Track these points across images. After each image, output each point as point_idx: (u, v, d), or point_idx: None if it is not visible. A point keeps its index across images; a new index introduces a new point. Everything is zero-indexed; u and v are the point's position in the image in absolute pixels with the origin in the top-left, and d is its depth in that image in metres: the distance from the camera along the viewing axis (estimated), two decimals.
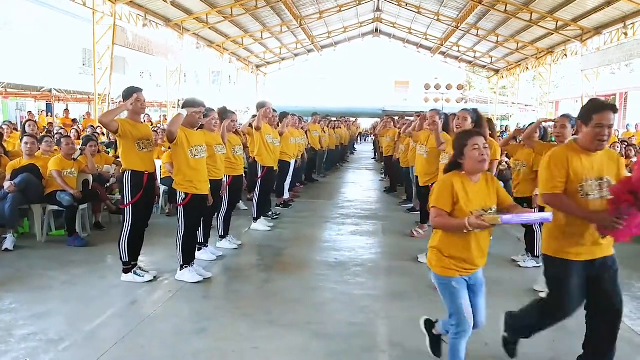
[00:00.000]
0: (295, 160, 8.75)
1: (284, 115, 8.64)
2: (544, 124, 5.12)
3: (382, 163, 13.55)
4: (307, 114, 12.29)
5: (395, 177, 10.52)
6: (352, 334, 3.74)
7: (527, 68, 25.04)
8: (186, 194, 4.66)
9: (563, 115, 4.56)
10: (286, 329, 3.79)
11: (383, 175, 13.20)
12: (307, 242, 6.46)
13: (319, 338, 3.66)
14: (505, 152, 8.59)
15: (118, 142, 4.64)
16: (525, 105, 31.27)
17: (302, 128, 9.83)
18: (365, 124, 33.91)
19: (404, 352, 3.48)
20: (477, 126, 4.70)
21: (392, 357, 3.43)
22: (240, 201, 8.38)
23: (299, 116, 9.85)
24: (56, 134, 9.03)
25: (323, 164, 13.31)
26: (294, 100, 25.13)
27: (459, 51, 27.76)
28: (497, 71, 29.17)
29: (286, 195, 8.49)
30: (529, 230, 5.53)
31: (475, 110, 4.80)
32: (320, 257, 5.77)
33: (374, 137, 19.58)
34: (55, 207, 6.08)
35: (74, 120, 15.44)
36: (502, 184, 8.75)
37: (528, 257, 5.56)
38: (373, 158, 18.55)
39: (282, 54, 29.31)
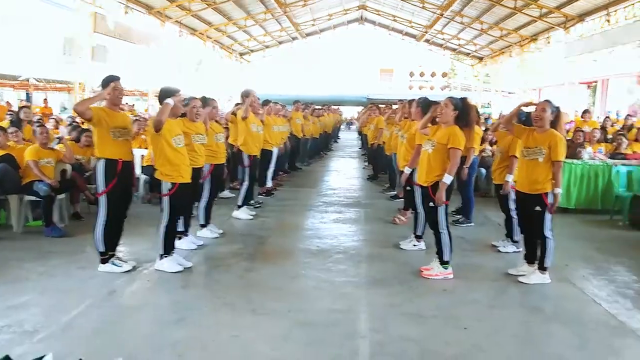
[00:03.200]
0: (278, 149, 8.69)
1: (266, 103, 8.59)
2: (525, 108, 5.12)
3: (366, 151, 13.54)
4: (291, 102, 12.18)
5: (379, 164, 10.52)
6: (334, 321, 3.74)
7: (511, 55, 25.12)
8: (173, 183, 4.61)
9: (545, 100, 4.59)
10: (267, 318, 3.78)
11: (366, 163, 13.20)
12: (289, 231, 6.44)
13: (300, 326, 3.65)
14: (491, 139, 8.67)
15: (92, 131, 4.58)
16: (509, 93, 31.40)
17: (284, 116, 9.75)
18: (351, 112, 33.78)
19: (385, 338, 3.49)
20: (463, 114, 4.67)
21: (373, 342, 3.43)
22: (226, 190, 8.37)
23: (281, 104, 9.77)
24: (35, 122, 8.86)
25: (307, 152, 13.25)
26: (278, 88, 24.92)
27: (443, 39, 27.75)
28: (481, 59, 29.24)
29: (269, 184, 8.45)
30: (507, 216, 5.57)
31: (463, 99, 4.78)
32: (303, 245, 5.76)
33: (358, 127, 19.54)
34: (33, 198, 5.97)
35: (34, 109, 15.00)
36: (484, 171, 8.80)
37: (508, 242, 5.61)
38: (360, 148, 18.51)
39: (266, 42, 29.06)
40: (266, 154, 7.91)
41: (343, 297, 4.24)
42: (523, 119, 5.07)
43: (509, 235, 5.62)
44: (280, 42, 29.94)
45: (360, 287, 4.49)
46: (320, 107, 15.88)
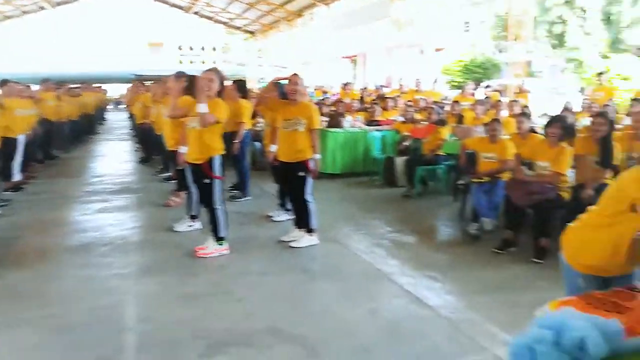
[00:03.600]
0: (25, 135, 7.48)
1: (4, 83, 7.33)
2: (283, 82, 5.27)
3: (135, 131, 12.61)
4: (39, 80, 10.58)
5: (151, 145, 9.90)
6: (97, 319, 3.41)
7: (280, 30, 26.11)
8: None
9: (295, 74, 4.80)
10: (15, 330, 3.25)
11: (138, 145, 12.35)
12: (44, 227, 5.61)
13: (57, 332, 3.24)
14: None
15: None
16: (283, 67, 32.75)
17: (31, 97, 8.43)
18: (120, 90, 31.28)
19: (154, 326, 3.31)
20: (190, 86, 4.60)
21: (140, 333, 3.24)
22: None
23: (25, 84, 8.41)
24: None
25: (66, 137, 11.71)
26: (23, 66, 21.48)
27: (212, 12, 27.38)
28: (252, 33, 29.75)
29: (17, 177, 7.24)
30: (281, 187, 5.74)
31: (215, 70, 4.65)
32: (61, 242, 5.08)
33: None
34: None
35: None
36: (258, 144, 8.91)
37: (281, 211, 5.80)
38: (131, 129, 17.27)
39: (6, 12, 24.91)
40: (9, 142, 6.73)
41: (109, 292, 3.88)
42: (281, 92, 5.22)
43: (282, 204, 5.81)
44: (24, 12, 25.97)
45: (128, 278, 4.17)
46: (77, 85, 14.15)
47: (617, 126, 6.16)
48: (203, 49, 24.04)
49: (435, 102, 9.58)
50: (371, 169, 8.26)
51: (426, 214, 6.25)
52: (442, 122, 7.45)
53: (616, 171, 4.53)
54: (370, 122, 9.08)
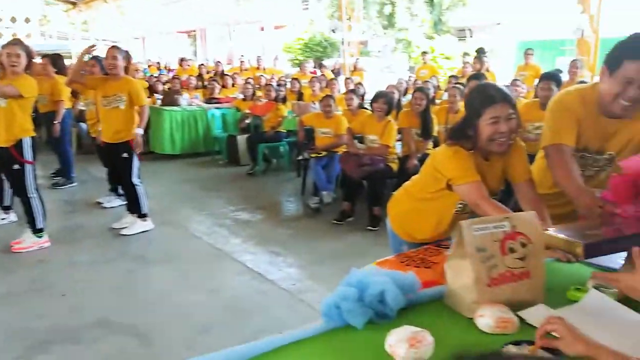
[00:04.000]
0: None
1: None
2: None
3: None
4: None
5: None
6: None
7: (107, 1, 24.02)
8: None
9: (113, 46, 4.42)
10: None
11: None
12: None
13: None
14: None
15: None
16: (113, 42, 30.22)
17: None
18: None
19: None
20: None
21: None
22: None
23: None
24: None
25: None
26: None
27: None
28: (74, 4, 26.92)
29: None
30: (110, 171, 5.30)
31: (19, 43, 4.06)
32: None
33: None
34: None
35: None
36: (83, 125, 8.14)
37: (113, 196, 5.39)
38: None
39: None
40: None
41: None
42: (101, 67, 4.79)
43: (114, 189, 5.39)
44: None
45: None
46: None
47: (437, 101, 6.83)
48: (14, 20, 20.96)
49: (277, 80, 9.61)
50: (213, 148, 8.05)
51: (269, 191, 6.27)
52: (282, 99, 7.50)
53: (436, 142, 5.00)
54: (209, 100, 8.82)
